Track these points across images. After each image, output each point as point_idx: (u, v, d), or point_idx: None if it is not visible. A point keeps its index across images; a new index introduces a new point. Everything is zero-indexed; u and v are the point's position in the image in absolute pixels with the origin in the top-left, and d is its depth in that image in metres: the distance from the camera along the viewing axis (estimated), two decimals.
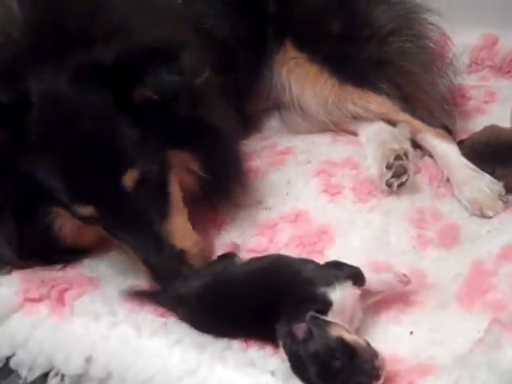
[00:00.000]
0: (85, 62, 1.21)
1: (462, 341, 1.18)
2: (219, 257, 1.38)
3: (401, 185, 1.54)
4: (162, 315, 1.30)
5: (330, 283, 1.18)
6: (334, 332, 1.11)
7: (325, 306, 1.16)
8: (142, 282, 1.37)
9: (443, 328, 1.24)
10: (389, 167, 1.56)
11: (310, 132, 1.82)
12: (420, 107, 1.74)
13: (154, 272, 1.30)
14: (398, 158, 1.57)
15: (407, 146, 1.65)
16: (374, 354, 1.09)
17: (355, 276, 1.21)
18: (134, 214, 1.27)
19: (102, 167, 1.23)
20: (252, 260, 1.32)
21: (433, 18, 1.86)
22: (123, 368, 1.22)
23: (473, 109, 1.95)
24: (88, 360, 1.23)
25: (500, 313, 1.21)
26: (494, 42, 2.14)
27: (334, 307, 1.16)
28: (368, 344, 1.11)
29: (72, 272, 1.40)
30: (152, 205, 1.28)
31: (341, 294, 1.18)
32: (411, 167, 1.57)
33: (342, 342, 1.09)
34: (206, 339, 1.24)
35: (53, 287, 1.34)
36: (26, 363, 1.27)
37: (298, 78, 1.73)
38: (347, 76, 1.71)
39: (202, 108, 1.31)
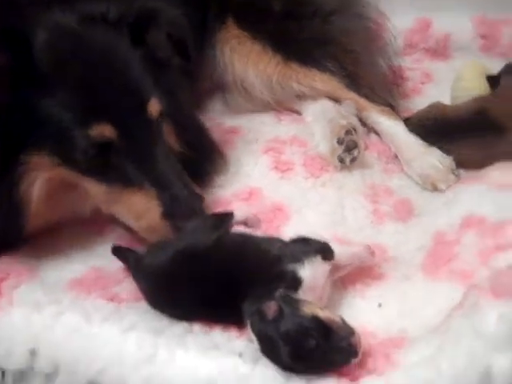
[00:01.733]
0: (95, 10, 1.24)
1: (431, 311, 1.16)
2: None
3: (353, 159, 1.53)
4: (112, 299, 1.19)
5: (298, 260, 1.12)
6: (307, 310, 1.05)
7: (295, 283, 1.10)
8: (87, 268, 1.26)
9: (410, 299, 1.20)
10: (340, 142, 1.54)
11: (253, 112, 1.76)
12: (364, 85, 1.71)
13: (174, 206, 1.21)
14: (348, 132, 1.55)
15: (355, 121, 1.63)
16: (350, 331, 1.03)
17: (324, 250, 1.16)
18: (156, 143, 1.22)
19: (125, 90, 1.20)
20: (219, 237, 1.22)
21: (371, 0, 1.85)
22: (72, 360, 1.10)
23: (410, 89, 1.95)
24: (32, 353, 1.11)
25: (466, 281, 1.18)
26: (428, 26, 2.14)
27: (305, 284, 1.11)
28: (343, 321, 1.05)
29: (8, 260, 1.26)
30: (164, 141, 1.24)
31: (311, 271, 1.12)
32: (361, 142, 1.56)
33: (315, 319, 1.03)
34: (163, 323, 1.14)
35: None
36: None
37: (241, 56, 1.67)
38: (291, 54, 1.67)
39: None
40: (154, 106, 1.23)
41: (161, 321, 1.15)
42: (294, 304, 1.05)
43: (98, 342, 1.11)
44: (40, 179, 1.21)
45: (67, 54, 1.19)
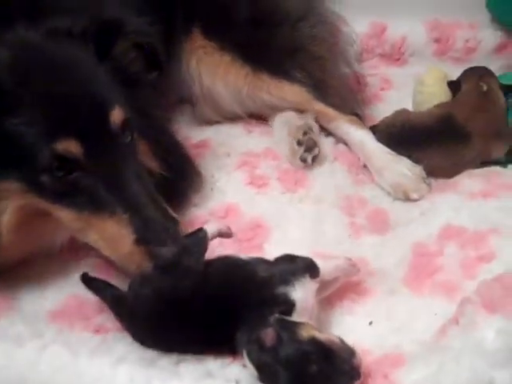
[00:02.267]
0: (60, 25, 1.20)
1: (420, 326, 1.17)
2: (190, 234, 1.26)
3: (314, 158, 1.55)
4: (97, 331, 1.15)
5: (288, 281, 1.11)
6: (305, 333, 1.03)
7: (288, 306, 1.09)
8: (66, 297, 1.21)
9: (398, 315, 1.21)
10: (300, 143, 1.56)
11: (221, 123, 1.73)
12: (331, 94, 1.72)
13: (147, 232, 1.14)
14: (305, 133, 1.58)
15: (310, 121, 1.64)
16: (351, 352, 1.03)
17: (310, 268, 1.14)
18: (125, 161, 1.16)
19: (88, 104, 1.15)
20: (201, 265, 1.18)
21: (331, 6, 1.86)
22: None
23: (371, 96, 1.96)
24: None
25: (452, 292, 1.20)
26: (383, 30, 2.15)
27: (297, 306, 1.09)
28: (342, 341, 1.04)
29: None
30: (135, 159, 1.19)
31: (302, 292, 1.11)
32: (319, 140, 1.59)
33: (315, 342, 1.02)
34: (153, 353, 1.11)
35: None
36: None
37: (209, 67, 1.64)
38: (261, 65, 1.65)
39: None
40: (117, 115, 1.17)
41: (150, 352, 1.11)
42: (291, 328, 1.04)
43: (87, 378, 1.08)
44: (10, 208, 1.16)
45: (29, 70, 1.15)
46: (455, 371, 0.97)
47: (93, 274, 1.27)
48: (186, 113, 1.76)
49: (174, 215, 1.21)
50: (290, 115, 1.67)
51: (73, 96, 1.14)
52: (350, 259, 1.22)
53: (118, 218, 1.13)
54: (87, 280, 1.23)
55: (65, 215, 1.16)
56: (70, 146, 1.11)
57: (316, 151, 1.55)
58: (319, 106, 1.69)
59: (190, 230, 1.29)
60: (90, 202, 1.14)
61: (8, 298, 1.21)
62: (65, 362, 1.09)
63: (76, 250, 1.30)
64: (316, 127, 1.62)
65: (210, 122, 1.74)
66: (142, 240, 1.14)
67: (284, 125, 1.65)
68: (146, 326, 1.13)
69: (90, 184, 1.13)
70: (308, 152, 1.54)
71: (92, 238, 1.18)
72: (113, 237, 1.15)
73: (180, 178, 1.36)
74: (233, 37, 1.66)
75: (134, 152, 1.23)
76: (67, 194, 1.14)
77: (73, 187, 1.13)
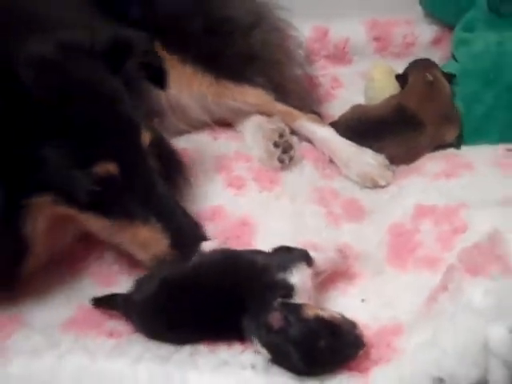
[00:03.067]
0: (69, 39, 1.21)
1: (410, 298, 1.25)
2: None
3: (291, 159, 1.64)
4: (111, 335, 1.19)
5: (286, 268, 1.18)
6: (309, 312, 1.11)
7: (288, 290, 1.16)
8: (74, 308, 1.26)
9: (388, 291, 1.30)
10: (276, 145, 1.65)
11: (188, 132, 1.79)
12: (291, 96, 1.81)
13: (180, 237, 1.24)
14: (281, 135, 1.67)
15: (282, 125, 1.73)
16: (353, 324, 1.11)
17: (305, 257, 1.22)
18: (153, 175, 1.24)
19: (120, 124, 1.20)
20: (200, 258, 1.25)
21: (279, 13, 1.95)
22: None
23: (323, 95, 2.06)
24: None
25: (433, 264, 1.30)
26: (325, 33, 2.26)
27: (297, 290, 1.16)
28: (343, 316, 1.12)
29: None
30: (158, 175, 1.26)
31: (299, 277, 1.18)
32: (295, 141, 1.68)
33: (320, 319, 1.09)
34: (168, 350, 1.16)
35: None
36: None
37: (173, 80, 1.67)
38: (222, 72, 1.72)
39: None
40: (146, 137, 1.25)
41: (165, 347, 1.16)
42: (296, 309, 1.11)
43: (109, 380, 1.12)
44: (42, 218, 1.20)
45: (59, 88, 1.16)
46: (452, 331, 1.05)
47: (93, 282, 1.33)
48: (155, 125, 1.81)
49: (196, 220, 1.31)
50: (260, 119, 1.75)
51: (107, 118, 1.19)
52: (341, 251, 1.30)
53: (152, 225, 1.22)
54: (97, 302, 1.27)
55: (98, 223, 1.23)
56: (109, 168, 1.16)
57: (292, 152, 1.64)
58: (281, 107, 1.78)
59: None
60: (125, 212, 1.21)
61: (19, 315, 1.24)
62: (85, 367, 1.12)
63: (75, 261, 1.35)
64: (287, 130, 1.70)
65: (179, 132, 1.79)
66: (175, 245, 1.23)
67: (256, 129, 1.73)
68: (154, 319, 1.19)
69: (123, 197, 1.20)
70: (285, 153, 1.63)
71: (124, 242, 1.26)
72: (147, 241, 1.24)
73: (175, 179, 1.43)
74: (191, 49, 1.73)
75: (154, 163, 1.30)
76: (102, 206, 1.20)
77: (107, 200, 1.19)
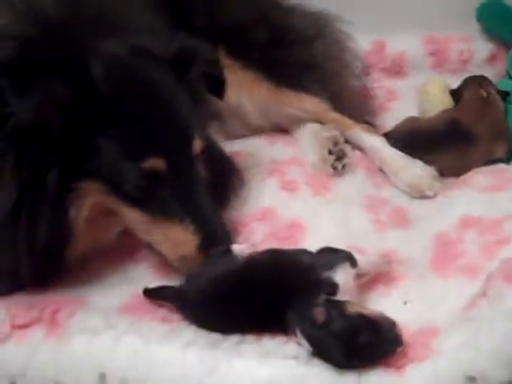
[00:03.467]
0: (142, 43, 1.30)
1: (450, 303, 1.30)
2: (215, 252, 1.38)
3: (344, 166, 1.71)
4: (163, 320, 1.28)
5: (331, 267, 1.24)
6: (351, 308, 1.16)
7: (332, 288, 1.22)
8: (130, 295, 1.35)
9: (429, 295, 1.34)
10: (331, 153, 1.72)
11: (246, 136, 1.88)
12: (346, 105, 1.88)
13: (210, 241, 1.30)
14: (335, 143, 1.74)
15: (337, 134, 1.80)
16: (393, 323, 1.16)
17: (350, 258, 1.28)
18: (197, 179, 1.32)
19: (176, 126, 1.28)
20: (250, 256, 1.33)
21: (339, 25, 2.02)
22: (139, 380, 1.18)
23: (378, 107, 2.12)
24: (101, 377, 1.19)
25: (475, 273, 1.34)
26: (383, 47, 2.32)
27: (340, 288, 1.23)
28: (383, 314, 1.18)
29: (55, 294, 1.33)
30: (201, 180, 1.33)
31: (343, 276, 1.24)
32: (348, 150, 1.74)
33: (362, 316, 1.15)
34: (216, 338, 1.23)
35: (42, 309, 1.27)
36: None
37: (234, 85, 1.77)
38: (281, 81, 1.81)
39: None
40: (197, 145, 1.33)
41: (214, 335, 1.24)
42: (339, 306, 1.17)
43: (161, 361, 1.19)
44: (87, 205, 1.27)
45: (125, 86, 1.24)
46: (490, 335, 1.09)
47: (149, 272, 1.42)
48: (213, 128, 1.90)
49: (228, 227, 1.38)
50: (316, 127, 1.82)
51: (164, 117, 1.27)
52: (385, 256, 1.37)
53: (186, 225, 1.30)
54: (149, 293, 1.34)
55: (135, 216, 1.30)
56: (157, 164, 1.25)
57: (345, 160, 1.71)
58: (336, 116, 1.85)
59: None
60: (163, 209, 1.29)
61: (80, 296, 1.33)
62: (139, 349, 1.20)
63: (132, 249, 1.44)
64: (342, 138, 1.77)
65: (236, 136, 1.88)
66: (203, 247, 1.30)
67: (311, 136, 1.80)
68: (206, 312, 1.26)
69: (166, 194, 1.28)
70: (338, 161, 1.70)
71: (156, 238, 1.33)
72: (178, 240, 1.31)
73: (224, 183, 1.50)
74: (254, 56, 1.82)
75: (201, 168, 1.38)
76: (143, 200, 1.28)
77: (150, 195, 1.27)
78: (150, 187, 1.26)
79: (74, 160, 1.23)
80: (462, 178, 1.69)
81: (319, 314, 1.15)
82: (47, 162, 1.20)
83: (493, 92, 1.90)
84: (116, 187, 1.26)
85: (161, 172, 1.26)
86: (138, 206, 1.29)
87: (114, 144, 1.23)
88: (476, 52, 2.26)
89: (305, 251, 1.33)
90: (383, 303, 1.32)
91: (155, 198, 1.28)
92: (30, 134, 1.19)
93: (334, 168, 1.70)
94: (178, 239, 1.31)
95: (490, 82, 1.96)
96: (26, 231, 1.22)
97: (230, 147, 1.80)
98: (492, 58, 2.24)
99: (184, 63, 1.34)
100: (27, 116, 1.15)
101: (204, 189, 1.34)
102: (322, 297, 1.19)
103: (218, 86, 1.44)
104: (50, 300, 1.30)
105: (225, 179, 1.51)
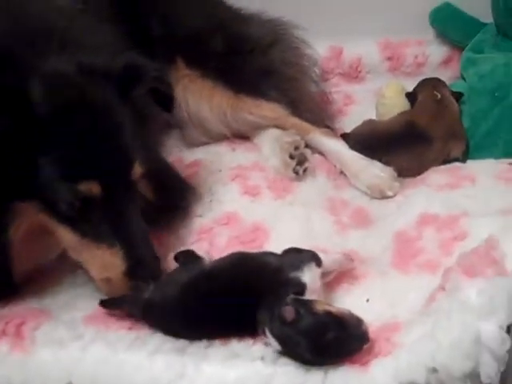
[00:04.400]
0: (87, 61, 1.28)
1: (411, 298, 1.33)
2: (180, 255, 1.40)
3: (305, 170, 1.74)
4: (130, 329, 1.28)
5: (298, 267, 1.27)
6: (319, 307, 1.19)
7: (300, 288, 1.24)
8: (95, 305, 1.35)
9: (391, 292, 1.36)
10: (292, 157, 1.74)
11: (208, 144, 1.89)
12: (305, 110, 1.91)
13: (136, 268, 1.30)
14: (296, 148, 1.77)
15: (298, 139, 1.82)
16: (359, 320, 1.19)
17: (315, 258, 1.31)
18: (132, 204, 1.30)
19: (116, 151, 1.27)
20: (217, 260, 1.35)
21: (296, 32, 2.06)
22: None
23: (336, 111, 2.16)
24: None
25: (434, 269, 1.38)
26: (340, 53, 2.37)
27: (308, 288, 1.25)
28: (350, 312, 1.20)
29: (18, 308, 1.33)
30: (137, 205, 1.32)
31: (310, 275, 1.27)
32: (309, 154, 1.77)
33: (330, 314, 1.17)
34: (183, 343, 1.24)
35: (6, 323, 1.27)
36: None
37: (194, 94, 1.81)
38: (240, 87, 1.83)
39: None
40: (137, 170, 1.31)
41: (181, 341, 1.25)
42: (307, 304, 1.19)
43: (128, 369, 1.20)
44: (23, 224, 1.28)
45: (64, 108, 1.23)
46: (447, 326, 1.12)
47: None
48: (175, 137, 1.92)
49: (158, 255, 1.37)
50: (277, 132, 1.85)
51: (104, 141, 1.26)
52: (347, 254, 1.40)
53: (115, 249, 1.29)
54: (105, 303, 1.34)
55: (67, 236, 1.30)
56: (91, 187, 1.24)
57: (306, 164, 1.74)
58: (295, 121, 1.88)
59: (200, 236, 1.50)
60: (94, 232, 1.29)
61: (46, 308, 1.33)
62: (106, 357, 1.21)
63: None
64: (303, 143, 1.79)
65: (198, 144, 1.90)
66: (130, 273, 1.31)
67: (272, 141, 1.83)
68: (172, 319, 1.27)
69: (98, 217, 1.28)
70: (300, 165, 1.73)
71: (85, 259, 1.33)
72: (105, 263, 1.31)
73: (174, 197, 1.52)
74: (212, 65, 1.84)
75: (137, 192, 1.38)
76: (76, 221, 1.28)
77: (83, 217, 1.27)
78: (83, 209, 1.26)
79: (12, 182, 1.23)
80: (420, 177, 1.73)
81: (288, 312, 1.17)
82: None
83: (447, 94, 1.95)
84: (51, 206, 1.27)
85: (95, 195, 1.26)
86: (71, 226, 1.29)
87: (52, 165, 1.23)
88: (431, 55, 2.30)
89: (270, 253, 1.36)
90: (347, 301, 1.35)
91: (88, 219, 1.28)
92: None
93: (296, 172, 1.73)
94: (105, 262, 1.31)
95: (444, 83, 2.00)
96: None
97: (192, 155, 1.81)
98: (446, 61, 2.29)
99: (130, 80, 1.33)
100: None
101: (138, 214, 1.33)
102: (291, 296, 1.21)
103: (166, 101, 1.45)
104: (15, 313, 1.30)
105: (177, 197, 1.51)
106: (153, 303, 1.29)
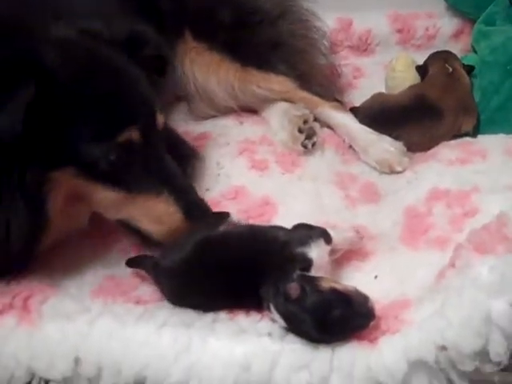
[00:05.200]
0: (91, 27, 1.30)
1: (420, 275, 1.32)
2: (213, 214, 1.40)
3: (313, 144, 1.72)
4: (137, 302, 1.28)
5: (306, 243, 1.26)
6: (325, 284, 1.18)
7: (306, 264, 1.23)
8: (102, 278, 1.35)
9: (400, 268, 1.36)
10: (300, 131, 1.73)
11: (215, 117, 1.87)
12: (314, 83, 1.88)
13: (192, 209, 1.31)
14: (305, 122, 1.75)
15: (307, 112, 1.80)
16: (365, 297, 1.18)
17: (324, 234, 1.29)
18: (164, 148, 1.32)
19: (141, 100, 1.30)
20: (227, 229, 1.34)
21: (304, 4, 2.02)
22: (114, 362, 1.18)
23: (346, 84, 2.13)
24: (76, 361, 1.18)
25: (444, 245, 1.36)
26: (349, 25, 2.33)
27: (314, 264, 1.24)
28: (356, 289, 1.19)
29: (26, 281, 1.31)
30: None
31: (317, 252, 1.25)
32: (317, 128, 1.75)
33: (335, 291, 1.16)
34: (191, 316, 1.24)
35: (14, 297, 1.26)
36: (4, 378, 1.19)
37: (201, 66, 1.79)
38: (248, 60, 1.80)
39: None
40: (161, 118, 1.33)
41: (188, 314, 1.24)
42: (313, 281, 1.18)
43: (135, 342, 1.19)
44: (62, 193, 1.27)
45: (83, 67, 1.24)
46: (458, 304, 1.11)
47: (120, 255, 1.42)
48: (183, 110, 1.90)
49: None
50: (285, 106, 1.82)
51: (128, 91, 1.27)
52: (358, 232, 1.38)
53: (165, 198, 1.29)
54: (130, 262, 1.35)
55: (109, 196, 1.29)
56: (132, 135, 1.25)
57: (315, 138, 1.72)
58: (304, 94, 1.85)
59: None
60: (138, 184, 1.28)
61: (53, 282, 1.33)
62: (114, 331, 1.20)
63: (101, 233, 1.45)
64: (312, 116, 1.77)
65: (205, 117, 1.88)
66: (188, 217, 1.30)
67: (281, 114, 1.80)
68: (181, 285, 1.27)
69: (139, 169, 1.28)
70: (308, 139, 1.71)
71: (133, 215, 1.32)
72: (160, 214, 1.30)
73: (182, 161, 1.47)
74: (220, 38, 1.81)
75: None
76: (118, 178, 1.27)
77: (124, 170, 1.26)
78: (124, 161, 1.25)
79: (44, 152, 1.22)
80: (430, 152, 1.70)
81: (293, 289, 1.16)
82: (17, 162, 1.19)
83: (458, 67, 1.91)
84: (89, 169, 1.25)
85: (135, 142, 1.26)
86: (112, 185, 1.28)
87: (85, 127, 1.23)
88: (442, 28, 2.27)
89: (280, 227, 1.34)
90: (356, 277, 1.35)
91: (129, 172, 1.27)
92: None
93: (304, 146, 1.71)
94: (159, 212, 1.31)
95: (456, 56, 1.97)
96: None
97: (199, 128, 1.79)
98: (457, 34, 2.26)
99: (134, 46, 1.34)
100: (14, 130, 1.14)
101: (173, 161, 1.34)
102: (297, 272, 1.20)
103: (160, 65, 1.44)
104: (22, 287, 1.29)
105: (184, 164, 1.50)
106: (162, 268, 1.29)
